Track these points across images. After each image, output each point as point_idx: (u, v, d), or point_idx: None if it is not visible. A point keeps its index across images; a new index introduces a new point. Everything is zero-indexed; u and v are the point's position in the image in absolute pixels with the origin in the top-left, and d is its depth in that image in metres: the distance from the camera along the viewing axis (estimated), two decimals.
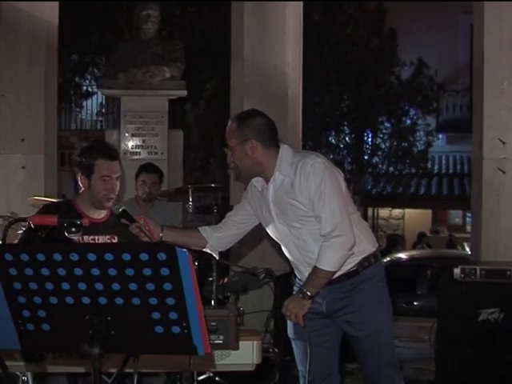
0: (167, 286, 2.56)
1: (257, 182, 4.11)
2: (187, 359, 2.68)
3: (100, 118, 20.68)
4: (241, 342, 3.55)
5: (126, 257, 2.54)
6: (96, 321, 2.63)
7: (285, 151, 3.98)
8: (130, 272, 2.56)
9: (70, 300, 2.64)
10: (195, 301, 2.57)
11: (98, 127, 19.73)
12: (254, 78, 7.96)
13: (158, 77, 8.99)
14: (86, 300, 2.63)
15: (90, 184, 4.21)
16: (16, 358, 3.33)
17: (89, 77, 16.48)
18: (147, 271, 2.55)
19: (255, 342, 3.61)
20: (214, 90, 14.49)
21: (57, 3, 8.45)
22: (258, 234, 4.36)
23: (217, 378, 5.80)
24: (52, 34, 8.41)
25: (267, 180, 4.02)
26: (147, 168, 6.97)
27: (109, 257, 2.55)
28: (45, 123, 8.38)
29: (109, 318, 2.63)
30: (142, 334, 2.66)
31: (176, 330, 2.62)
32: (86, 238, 4.07)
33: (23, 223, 3.32)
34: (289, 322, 4.11)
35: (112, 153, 4.32)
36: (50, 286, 2.63)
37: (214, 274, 5.96)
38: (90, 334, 2.62)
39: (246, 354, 3.58)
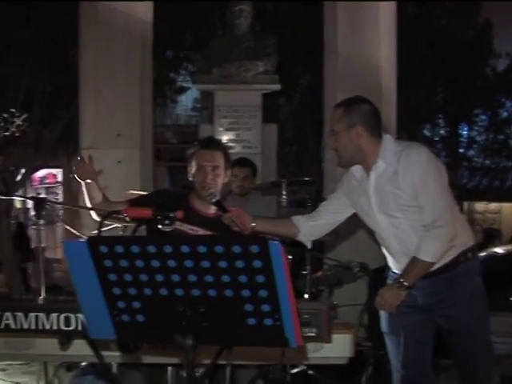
0: (260, 278, 2.55)
1: (356, 170, 4.06)
2: (279, 351, 2.67)
3: (195, 113, 20.83)
4: (334, 336, 3.52)
5: (219, 249, 2.53)
6: (189, 312, 2.63)
7: (388, 140, 3.93)
8: (223, 264, 2.55)
9: (164, 291, 2.65)
10: (287, 293, 2.55)
11: (193, 122, 19.89)
12: (348, 72, 7.91)
13: (251, 71, 9.02)
14: (179, 292, 2.64)
15: (193, 174, 4.27)
16: (111, 348, 3.39)
17: (183, 72, 16.65)
18: (240, 263, 2.54)
19: (348, 335, 3.58)
20: (308, 84, 14.45)
21: (151, 3, 8.57)
22: (353, 227, 4.31)
23: (310, 372, 5.78)
24: (146, 32, 8.53)
25: (368, 168, 3.96)
26: (240, 162, 6.98)
27: (202, 249, 2.55)
28: (140, 119, 8.51)
29: (202, 310, 2.63)
30: (234, 326, 2.65)
31: (268, 322, 2.60)
32: (185, 225, 4.11)
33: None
34: (382, 316, 4.05)
35: (209, 143, 4.35)
36: (144, 277, 2.65)
37: (308, 267, 5.92)
38: (184, 326, 2.62)
39: (339, 348, 3.55)
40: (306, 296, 5.65)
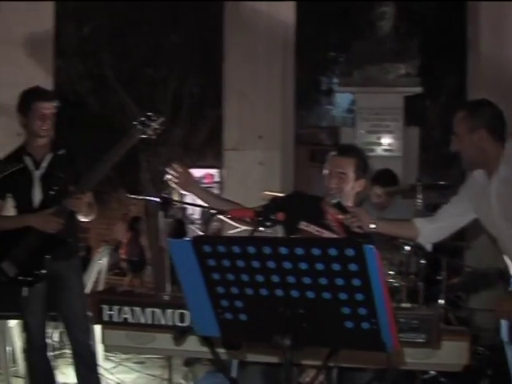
0: (356, 282, 2.59)
1: (479, 175, 4.00)
2: (385, 355, 2.70)
3: (351, 115, 20.83)
4: (447, 342, 3.49)
5: (316, 251, 2.59)
6: (289, 313, 2.70)
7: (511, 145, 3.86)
8: (320, 266, 2.61)
9: (264, 292, 2.73)
10: (383, 297, 2.58)
11: (349, 124, 19.90)
12: (491, 72, 7.74)
13: (392, 73, 8.99)
14: (279, 292, 2.71)
15: (324, 178, 4.34)
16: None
17: (330, 74, 16.74)
18: (336, 266, 2.58)
19: (462, 342, 3.53)
20: (453, 85, 14.19)
21: (293, 4, 8.66)
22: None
23: (441, 379, 5.73)
24: (289, 33, 8.64)
25: (490, 173, 3.90)
26: (383, 181, 6.77)
27: (299, 251, 2.61)
28: (281, 121, 8.63)
29: (301, 311, 2.69)
30: (332, 329, 2.71)
31: (365, 325, 2.64)
32: (312, 227, 4.19)
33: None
34: (503, 324, 3.98)
35: (343, 149, 4.39)
36: (245, 277, 2.74)
37: (444, 273, 5.86)
38: (283, 326, 2.70)
39: (452, 355, 3.52)
40: (442, 302, 5.60)
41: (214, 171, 20.56)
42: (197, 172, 20.40)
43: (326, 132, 19.57)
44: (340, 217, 4.04)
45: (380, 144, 9.03)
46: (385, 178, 6.90)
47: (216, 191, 21.06)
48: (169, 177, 4.33)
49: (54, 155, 5.00)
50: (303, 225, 4.21)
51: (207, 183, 21.44)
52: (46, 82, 7.57)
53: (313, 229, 4.22)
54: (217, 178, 20.74)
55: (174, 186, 4.33)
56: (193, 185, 4.39)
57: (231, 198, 8.35)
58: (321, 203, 4.39)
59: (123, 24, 12.48)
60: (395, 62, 9.01)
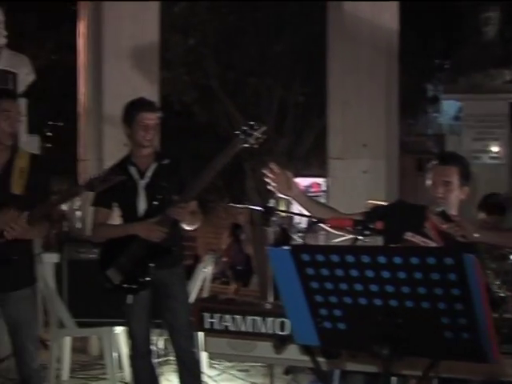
0: (455, 291, 2.57)
1: None
2: (487, 366, 2.66)
3: (457, 123, 20.49)
4: None
5: (415, 260, 2.59)
6: (387, 323, 2.70)
7: None
8: (418, 275, 2.60)
9: (363, 301, 2.74)
10: (483, 307, 2.55)
11: (455, 131, 19.61)
12: None
13: (498, 80, 8.84)
14: (377, 302, 2.72)
15: (428, 188, 4.28)
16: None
17: (437, 81, 16.50)
18: (435, 275, 2.58)
19: None
20: None
21: (396, 10, 8.58)
22: None
23: None
24: (392, 40, 8.58)
25: None
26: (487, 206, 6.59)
27: (398, 260, 2.61)
28: (386, 129, 8.57)
29: (400, 321, 2.69)
30: (431, 339, 2.69)
31: (465, 336, 2.61)
32: (418, 237, 4.15)
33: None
34: None
35: (445, 158, 4.33)
36: (344, 286, 2.75)
37: None
38: (381, 335, 2.70)
39: None
40: None
41: (320, 180, 20.58)
42: (302, 181, 20.51)
43: (433, 140, 19.27)
44: (444, 226, 3.99)
45: (486, 152, 8.87)
46: (491, 205, 6.67)
47: (322, 200, 21.15)
48: (266, 179, 4.33)
49: (158, 165, 5.10)
50: (409, 235, 4.18)
51: (314, 192, 21.49)
52: (152, 93, 7.75)
53: (418, 239, 4.18)
54: (324, 187, 20.76)
55: (272, 188, 4.33)
56: (293, 189, 4.36)
57: (335, 205, 8.44)
58: (425, 212, 4.34)
59: (228, 34, 12.64)
60: (501, 68, 8.84)
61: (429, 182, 4.27)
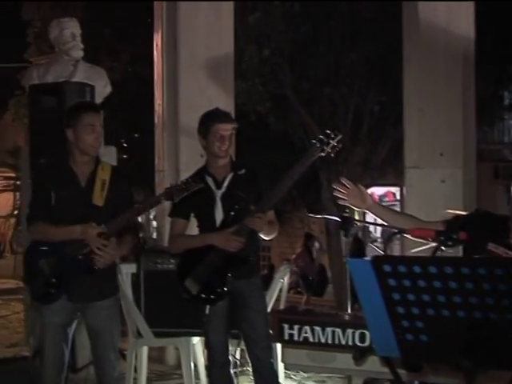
0: None
1: None
2: None
3: None
4: None
5: (499, 272, 2.56)
6: (471, 335, 2.66)
7: None
8: (503, 287, 2.57)
9: (445, 313, 2.72)
10: None
11: None
12: None
13: None
14: (461, 313, 2.69)
15: None
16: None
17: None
18: None
19: None
20: None
21: (472, 17, 8.46)
22: None
23: None
24: (469, 48, 8.46)
25: None
26: None
27: (482, 271, 2.59)
28: (463, 137, 8.45)
29: (483, 333, 2.65)
30: None
31: None
32: (501, 249, 4.07)
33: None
34: None
35: None
36: (426, 297, 2.73)
37: None
38: (464, 348, 2.66)
39: None
40: None
41: (395, 189, 20.44)
42: (378, 190, 20.42)
43: (510, 148, 19.01)
44: None
45: None
46: None
47: (397, 209, 21.01)
48: (337, 194, 4.31)
49: (234, 175, 5.13)
50: (492, 246, 4.10)
51: (389, 201, 21.37)
52: (228, 104, 7.79)
53: (502, 251, 4.10)
54: (398, 196, 20.61)
55: (344, 203, 4.31)
56: (367, 202, 4.34)
57: None
58: (508, 223, 4.25)
59: (302, 44, 12.66)
60: None
61: None
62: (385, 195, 21.37)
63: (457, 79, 8.34)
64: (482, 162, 11.27)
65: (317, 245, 17.74)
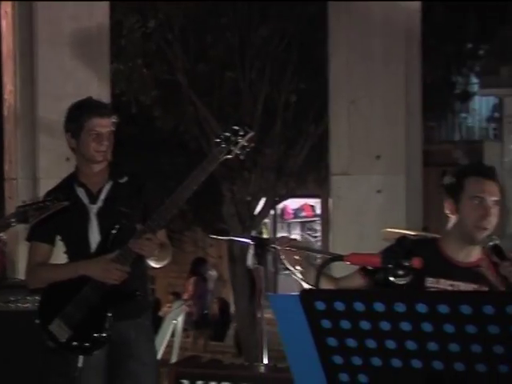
0: None
1: None
2: None
3: (493, 125, 20.55)
4: None
5: (466, 310, 2.56)
6: None
7: None
8: (471, 329, 2.58)
9: (396, 362, 2.72)
10: None
11: (491, 136, 19.67)
12: None
13: None
14: (416, 363, 2.69)
15: (459, 208, 4.24)
16: None
17: (468, 73, 16.55)
18: (493, 329, 2.55)
19: None
20: None
21: None
22: None
23: None
24: (413, 22, 8.57)
25: None
26: None
27: (443, 309, 2.59)
28: (405, 136, 8.54)
29: None
30: None
31: None
32: (442, 281, 4.12)
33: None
34: None
35: (488, 170, 4.32)
36: (371, 343, 2.73)
37: None
38: None
39: None
40: None
41: (314, 201, 20.63)
42: (293, 203, 20.56)
43: (462, 148, 19.36)
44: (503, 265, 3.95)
45: None
46: None
47: (317, 226, 21.21)
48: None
49: (114, 184, 5.07)
50: (430, 281, 4.14)
51: (306, 216, 21.56)
52: (101, 92, 7.73)
53: (444, 284, 4.15)
54: (318, 210, 20.80)
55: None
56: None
57: (341, 235, 8.41)
58: (438, 245, 4.30)
59: (198, 15, 12.64)
60: None
61: (464, 202, 4.21)
62: (302, 209, 21.54)
63: (398, 62, 8.43)
64: (428, 167, 11.42)
65: (214, 273, 17.80)
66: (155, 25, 12.34)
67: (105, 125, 5.04)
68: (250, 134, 4.87)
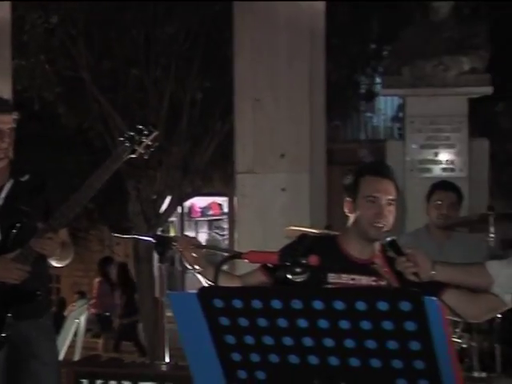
0: (414, 345, 2.58)
1: None
2: None
3: (398, 125, 20.77)
4: None
5: (361, 306, 2.59)
6: None
7: None
8: (366, 325, 2.61)
9: (293, 359, 2.74)
10: (451, 364, 2.56)
11: (396, 136, 19.88)
12: None
13: (453, 70, 8.99)
14: (313, 359, 2.72)
15: (355, 207, 4.30)
16: None
17: (372, 73, 16.71)
18: (387, 324, 2.59)
19: None
20: None
21: None
22: None
23: None
24: (318, 21, 8.64)
25: None
26: (443, 185, 6.91)
27: (339, 305, 2.62)
28: (310, 135, 8.60)
29: None
30: None
31: None
32: (344, 276, 4.17)
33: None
34: None
35: (383, 169, 4.38)
36: (269, 340, 2.75)
37: None
38: None
39: None
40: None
41: (222, 199, 20.63)
42: (201, 201, 20.54)
43: (367, 147, 19.52)
44: (399, 260, 4.01)
45: (438, 162, 9.02)
46: (444, 183, 6.92)
47: (225, 225, 21.20)
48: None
49: (14, 182, 5.01)
50: (332, 277, 4.19)
51: (214, 215, 21.55)
52: (3, 88, 7.62)
53: (346, 279, 4.20)
54: (225, 209, 20.81)
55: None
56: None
57: (245, 233, 8.45)
58: (338, 242, 4.36)
59: (102, 11, 12.53)
60: (457, 55, 8.99)
61: (360, 201, 4.29)
62: (209, 207, 21.52)
63: (302, 61, 8.49)
64: (332, 165, 11.52)
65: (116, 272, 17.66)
66: (58, 20, 12.20)
67: (5, 121, 4.97)
68: (155, 134, 4.87)
